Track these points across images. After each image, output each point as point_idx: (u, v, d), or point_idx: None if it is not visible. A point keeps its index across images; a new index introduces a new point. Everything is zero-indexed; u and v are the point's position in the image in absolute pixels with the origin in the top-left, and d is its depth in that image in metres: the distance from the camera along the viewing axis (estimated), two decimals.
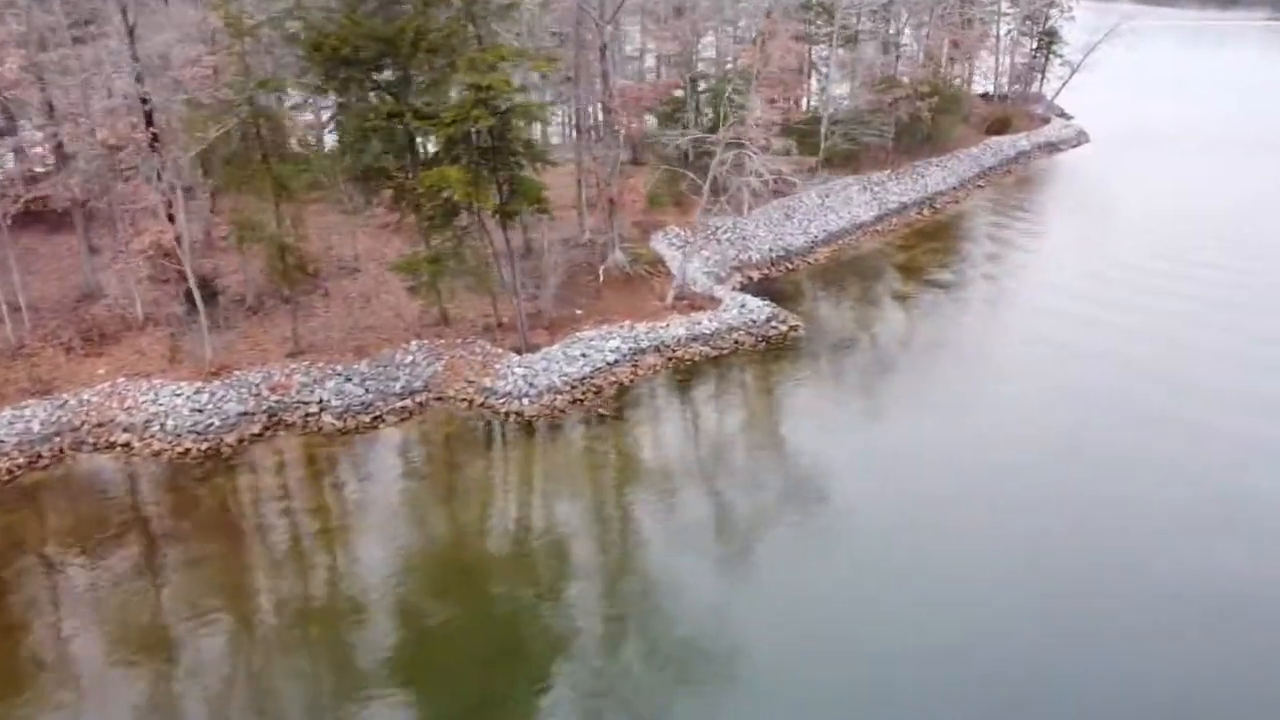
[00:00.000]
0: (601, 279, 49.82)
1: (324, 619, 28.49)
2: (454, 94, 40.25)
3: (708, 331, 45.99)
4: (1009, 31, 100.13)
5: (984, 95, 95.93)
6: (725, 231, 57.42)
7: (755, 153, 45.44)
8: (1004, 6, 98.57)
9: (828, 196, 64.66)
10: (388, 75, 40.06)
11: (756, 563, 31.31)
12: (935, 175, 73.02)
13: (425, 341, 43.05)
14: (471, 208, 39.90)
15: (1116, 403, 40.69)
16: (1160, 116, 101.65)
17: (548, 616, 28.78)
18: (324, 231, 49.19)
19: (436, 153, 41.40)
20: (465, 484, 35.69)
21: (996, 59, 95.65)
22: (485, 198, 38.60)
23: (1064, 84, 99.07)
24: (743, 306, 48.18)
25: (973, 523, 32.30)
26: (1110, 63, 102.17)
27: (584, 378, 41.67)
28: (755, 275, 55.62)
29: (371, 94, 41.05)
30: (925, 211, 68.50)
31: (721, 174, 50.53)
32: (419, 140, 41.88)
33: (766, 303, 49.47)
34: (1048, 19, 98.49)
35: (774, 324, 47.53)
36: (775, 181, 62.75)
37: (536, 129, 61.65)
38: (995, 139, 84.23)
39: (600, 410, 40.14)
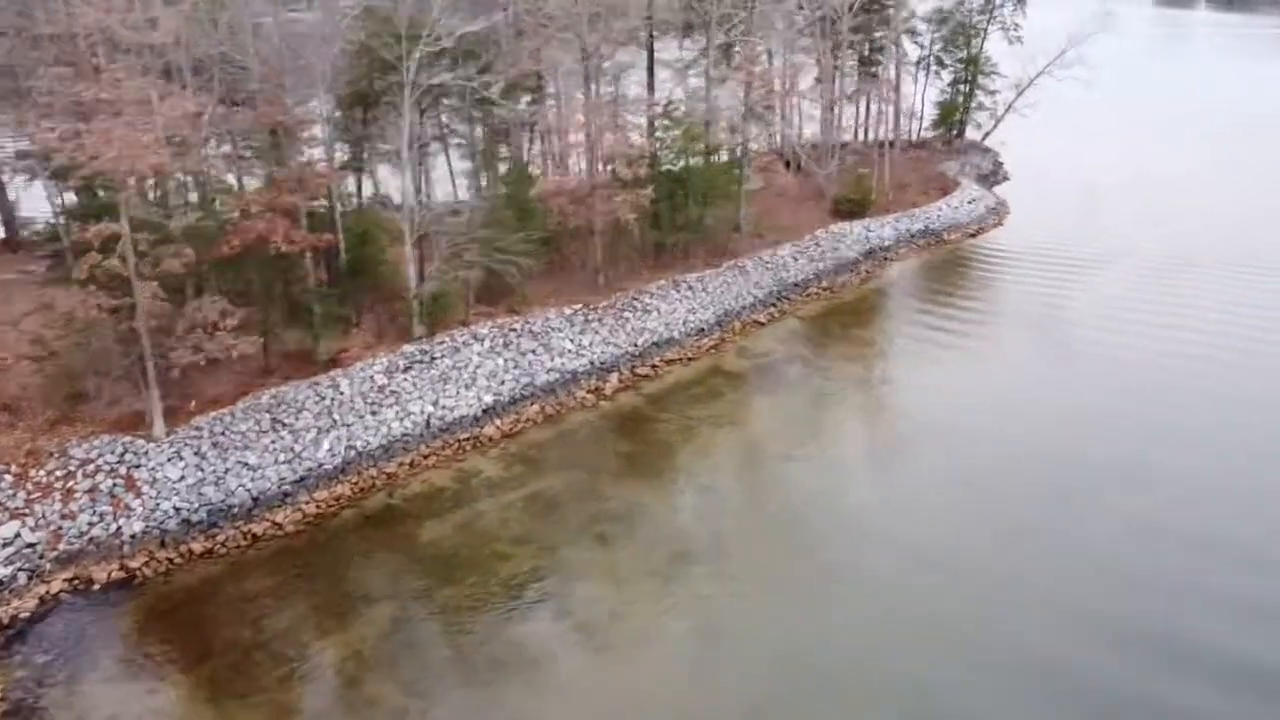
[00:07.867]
0: None
1: None
2: None
3: None
4: (921, 60, 70.38)
5: (823, 147, 65.72)
6: (99, 470, 30.15)
7: None
8: (917, 24, 68.88)
9: (408, 370, 36.80)
10: None
11: None
12: (673, 309, 44.16)
13: None
14: None
15: None
16: (1148, 183, 69.73)
17: None
18: None
19: None
20: None
21: (894, 101, 65.58)
22: None
23: (987, 134, 69.20)
24: None
25: None
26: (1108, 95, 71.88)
27: None
28: (109, 573, 28.15)
29: None
30: (611, 384, 39.64)
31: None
32: None
33: None
34: (975, 37, 68.36)
35: None
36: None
37: None
38: (839, 227, 54.96)
39: None
